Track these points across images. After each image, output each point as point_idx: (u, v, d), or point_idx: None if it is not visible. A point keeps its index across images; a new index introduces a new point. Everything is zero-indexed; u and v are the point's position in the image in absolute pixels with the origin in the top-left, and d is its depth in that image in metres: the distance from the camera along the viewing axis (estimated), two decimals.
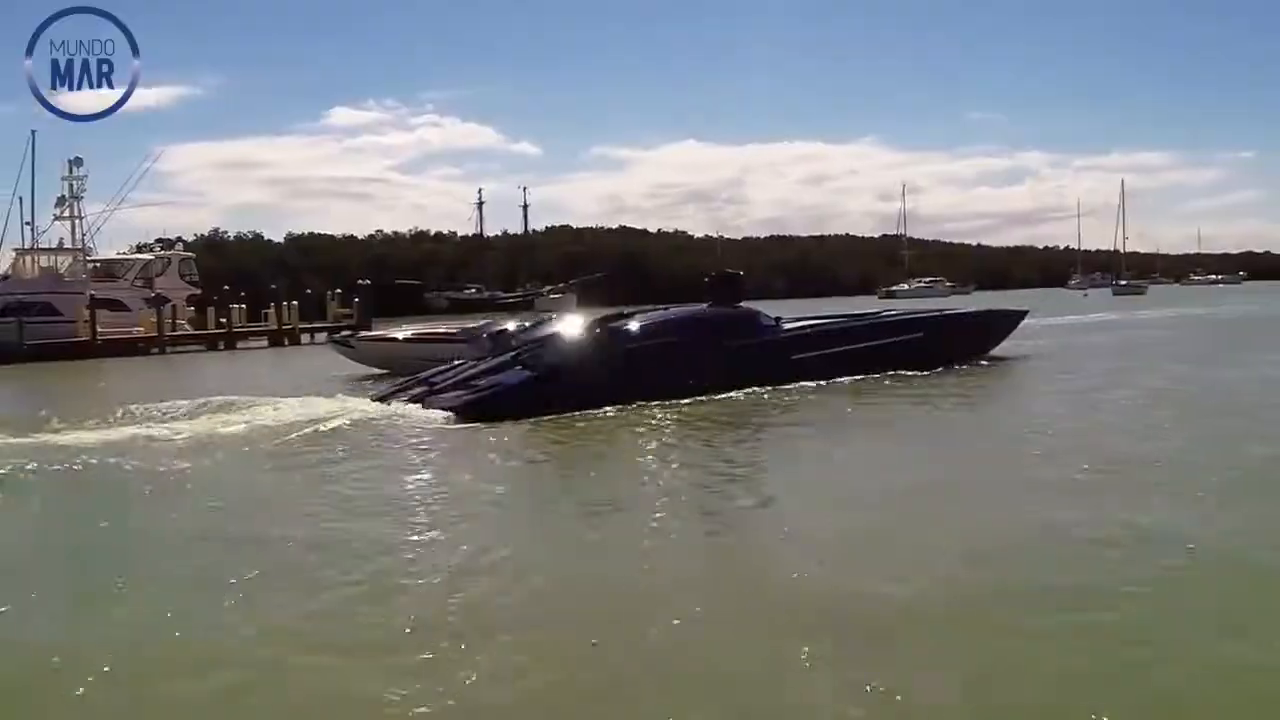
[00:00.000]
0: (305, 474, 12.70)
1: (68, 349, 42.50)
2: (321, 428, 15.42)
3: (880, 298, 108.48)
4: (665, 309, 22.14)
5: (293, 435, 14.93)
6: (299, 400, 18.18)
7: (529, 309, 77.50)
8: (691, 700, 5.66)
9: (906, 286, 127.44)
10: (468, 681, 5.92)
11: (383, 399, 18.39)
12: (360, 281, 59.05)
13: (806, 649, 6.15)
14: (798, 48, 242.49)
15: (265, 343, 50.35)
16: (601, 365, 18.15)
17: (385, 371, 26.19)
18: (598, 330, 19.34)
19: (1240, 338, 34.52)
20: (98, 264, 54.26)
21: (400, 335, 29.46)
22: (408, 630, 6.80)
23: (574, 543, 9.34)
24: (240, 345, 49.17)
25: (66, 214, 52.66)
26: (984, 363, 23.05)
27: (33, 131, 52.59)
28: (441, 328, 30.81)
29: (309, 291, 59.41)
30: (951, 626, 6.59)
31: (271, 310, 52.81)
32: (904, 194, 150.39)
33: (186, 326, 51.17)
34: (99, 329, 44.80)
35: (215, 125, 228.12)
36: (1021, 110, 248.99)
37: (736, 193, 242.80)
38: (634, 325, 19.97)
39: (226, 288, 55.20)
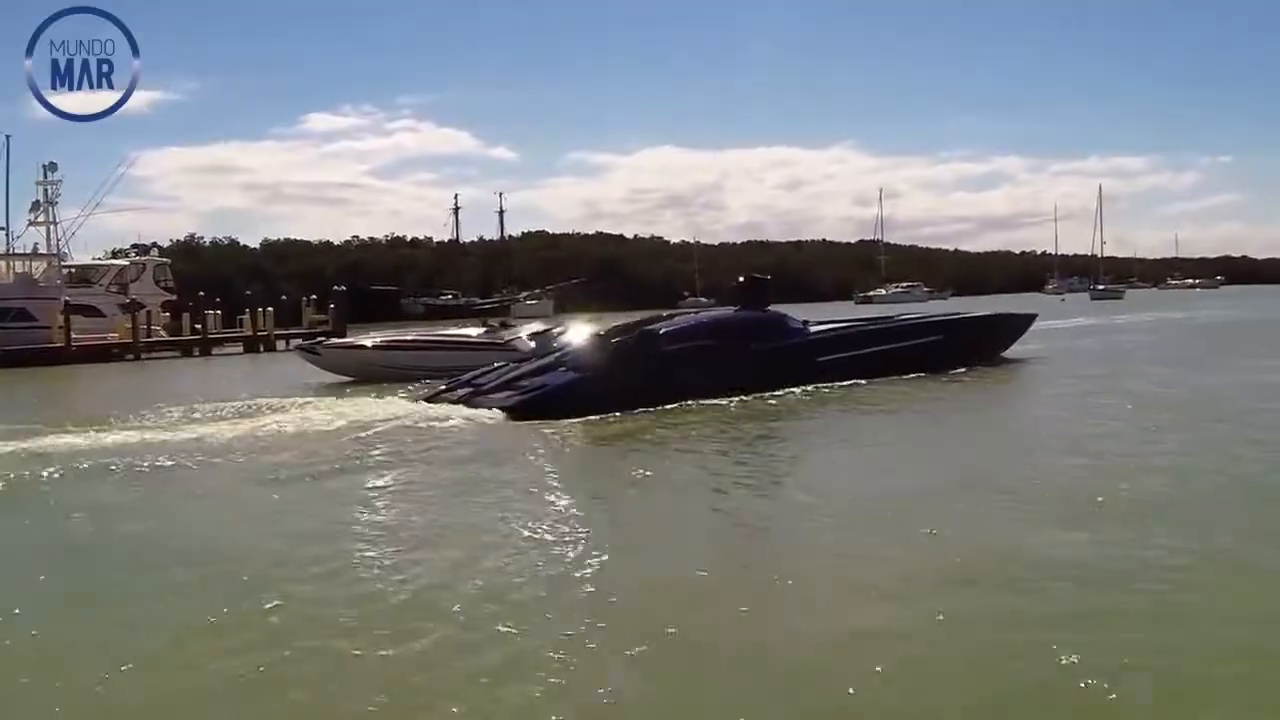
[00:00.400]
0: (391, 472, 12.89)
1: (42, 355, 42.24)
2: (381, 428, 15.91)
3: (857, 303, 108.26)
4: (696, 313, 23.33)
5: (364, 434, 15.46)
6: (346, 402, 19.02)
7: (506, 315, 77.47)
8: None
9: (884, 292, 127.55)
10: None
11: (430, 399, 18.97)
12: (336, 287, 58.69)
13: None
14: (776, 53, 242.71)
15: (240, 349, 50.09)
16: (641, 367, 18.72)
17: (351, 379, 26.01)
18: (637, 334, 19.85)
19: (1219, 342, 34.80)
20: (73, 269, 53.87)
21: (368, 342, 29.24)
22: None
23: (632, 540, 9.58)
24: (215, 351, 48.81)
25: (41, 219, 52.39)
26: (968, 368, 22.96)
27: (6, 136, 52.66)
28: (410, 334, 30.67)
29: (284, 298, 59.12)
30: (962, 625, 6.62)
31: (247, 316, 52.54)
32: (881, 199, 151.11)
33: (161, 333, 50.81)
34: (74, 335, 44.54)
35: (191, 130, 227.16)
36: (999, 115, 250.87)
37: (714, 198, 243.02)
38: (670, 329, 20.64)
39: (202, 294, 54.86)
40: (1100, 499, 9.96)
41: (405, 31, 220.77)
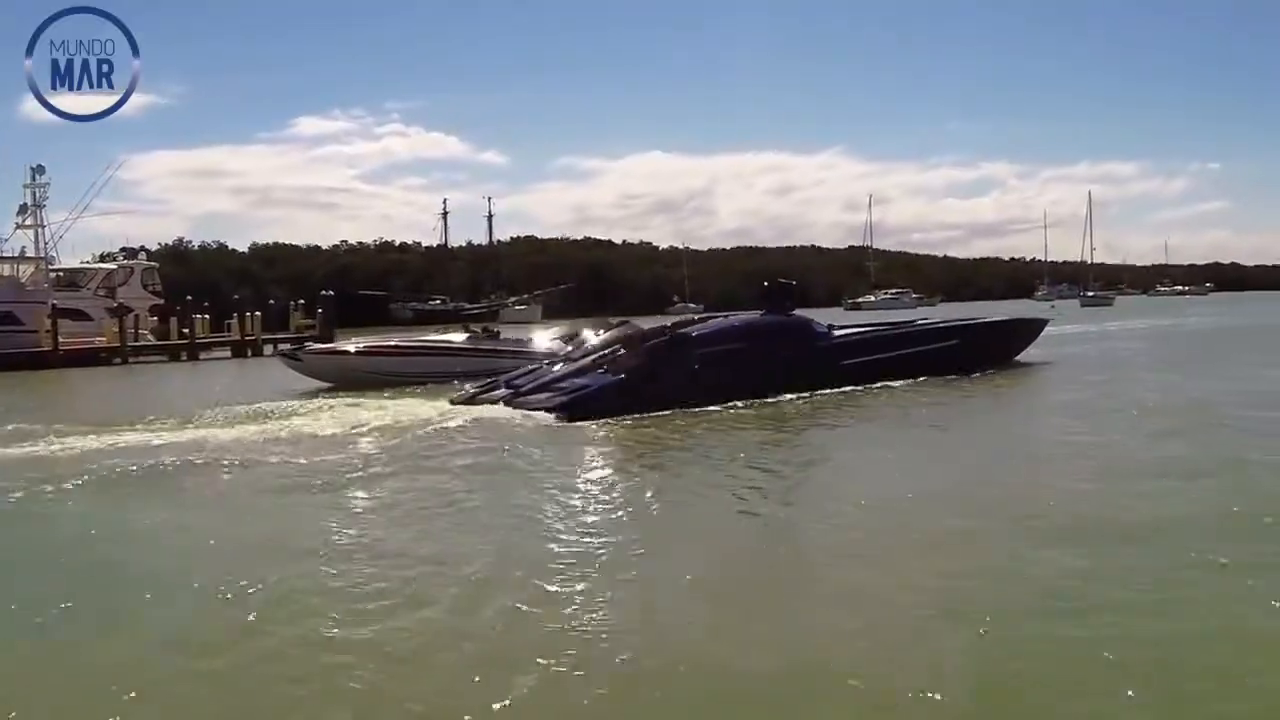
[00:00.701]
0: (438, 475, 13.01)
1: (29, 359, 42.06)
2: (434, 428, 16.42)
3: (846, 309, 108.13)
4: (725, 317, 23.82)
5: (412, 435, 15.86)
6: (376, 405, 19.47)
7: (494, 320, 77.37)
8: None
9: (873, 298, 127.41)
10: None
11: (467, 401, 19.57)
12: (323, 292, 58.36)
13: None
14: (764, 58, 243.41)
15: (228, 353, 49.85)
16: (677, 370, 19.22)
17: (333, 385, 25.71)
18: (670, 337, 20.42)
19: (1212, 349, 35.13)
20: (60, 273, 53.74)
21: (351, 348, 28.95)
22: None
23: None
24: (203, 356, 48.62)
25: (29, 222, 52.26)
26: (984, 373, 23.39)
27: None
28: (394, 339, 30.44)
29: (273, 302, 58.90)
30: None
31: (235, 321, 52.25)
32: (870, 205, 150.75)
33: (149, 337, 50.63)
34: (61, 339, 44.37)
35: (180, 133, 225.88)
36: (989, 121, 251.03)
37: (703, 203, 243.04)
38: (702, 332, 21.19)
39: (190, 298, 54.63)
40: (1120, 504, 10.07)
41: (394, 35, 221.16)
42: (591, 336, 22.13)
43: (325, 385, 25.94)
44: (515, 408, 18.39)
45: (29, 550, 9.84)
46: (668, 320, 24.42)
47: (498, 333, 29.57)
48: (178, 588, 8.05)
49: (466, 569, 8.16)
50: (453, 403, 19.48)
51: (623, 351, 19.86)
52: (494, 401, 19.08)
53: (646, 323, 23.22)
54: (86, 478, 12.62)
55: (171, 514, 10.91)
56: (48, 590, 8.05)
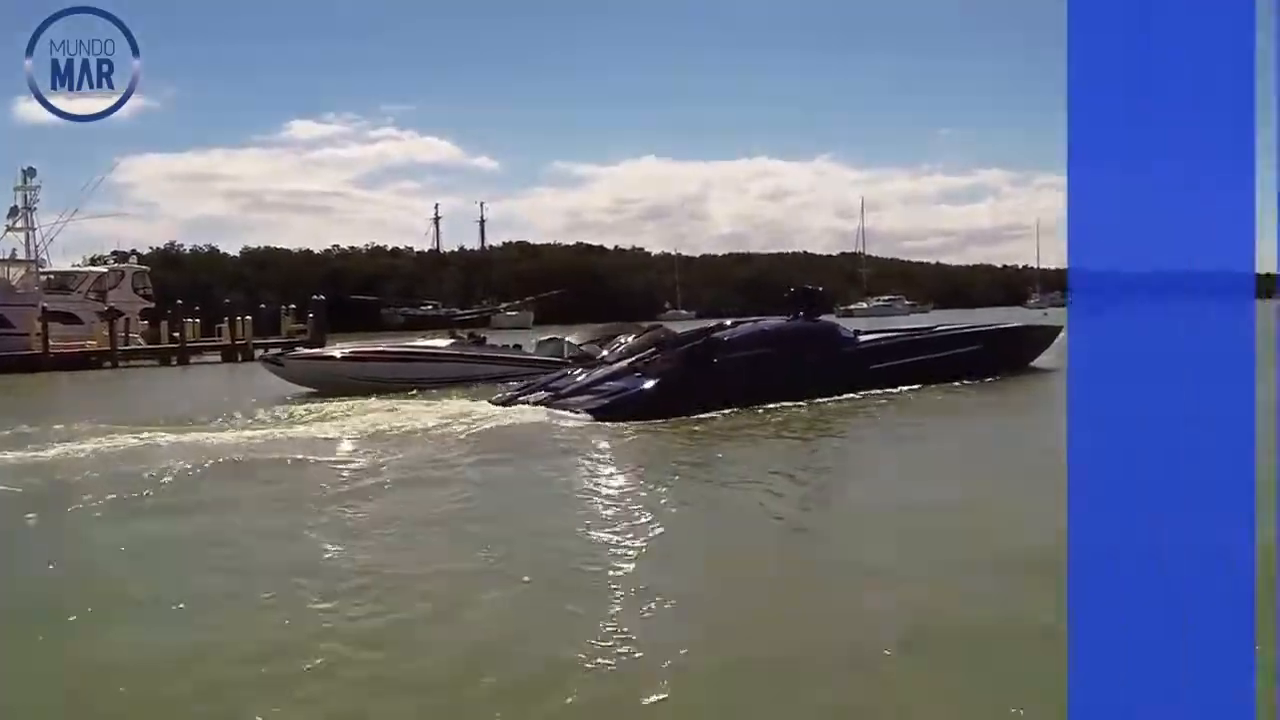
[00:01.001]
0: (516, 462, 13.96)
1: (19, 362, 41.99)
2: (475, 429, 16.87)
3: (838, 316, 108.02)
4: (755, 322, 23.95)
5: (455, 433, 16.43)
6: (429, 404, 20.30)
7: (486, 326, 77.23)
8: None
9: (865, 305, 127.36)
10: None
11: (505, 403, 20.15)
12: (315, 297, 58.21)
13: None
14: (758, 63, 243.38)
15: (219, 358, 49.72)
16: (710, 373, 19.88)
17: (315, 390, 25.56)
18: (704, 342, 21.00)
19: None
20: (51, 276, 53.61)
21: (336, 353, 28.64)
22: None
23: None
24: (194, 360, 48.56)
25: (20, 225, 52.21)
26: (1003, 377, 23.89)
27: None
28: (384, 344, 30.31)
29: (264, 306, 58.80)
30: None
31: (225, 325, 52.20)
32: (863, 211, 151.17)
33: (140, 340, 50.62)
34: (51, 342, 44.28)
35: (173, 136, 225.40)
36: (983, 128, 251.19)
37: (697, 209, 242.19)
38: (734, 337, 21.62)
39: (180, 302, 54.63)
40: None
41: (388, 39, 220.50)
42: (624, 340, 22.68)
43: (311, 390, 25.73)
44: (558, 409, 18.94)
45: (31, 555, 9.71)
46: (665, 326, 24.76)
47: (484, 338, 29.56)
48: (204, 593, 7.96)
49: (493, 572, 8.18)
50: (492, 403, 20.00)
51: (657, 355, 20.44)
52: (536, 404, 19.58)
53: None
54: (92, 484, 12.46)
55: (206, 519, 10.86)
56: (55, 594, 8.02)
